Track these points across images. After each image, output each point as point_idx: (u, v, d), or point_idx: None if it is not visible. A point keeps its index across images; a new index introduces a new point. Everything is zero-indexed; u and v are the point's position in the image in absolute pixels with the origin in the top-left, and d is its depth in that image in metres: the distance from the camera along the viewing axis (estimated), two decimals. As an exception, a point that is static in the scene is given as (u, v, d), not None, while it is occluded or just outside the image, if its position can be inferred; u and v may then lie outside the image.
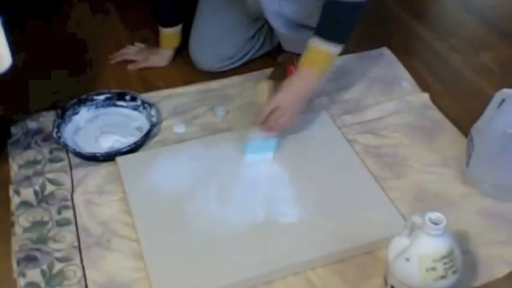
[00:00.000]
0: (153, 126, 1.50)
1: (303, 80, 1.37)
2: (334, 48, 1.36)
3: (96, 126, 1.55)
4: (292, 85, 1.37)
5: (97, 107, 1.58)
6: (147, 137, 1.49)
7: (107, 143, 1.49)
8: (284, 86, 1.37)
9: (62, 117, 1.52)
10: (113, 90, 1.59)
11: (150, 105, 1.54)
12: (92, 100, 1.58)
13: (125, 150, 1.45)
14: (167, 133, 1.54)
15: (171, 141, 1.52)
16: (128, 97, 1.58)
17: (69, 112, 1.55)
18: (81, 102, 1.57)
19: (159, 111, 1.58)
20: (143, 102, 1.55)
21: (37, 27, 1.91)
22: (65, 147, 1.46)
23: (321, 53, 1.36)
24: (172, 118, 1.59)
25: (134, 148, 1.46)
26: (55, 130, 1.48)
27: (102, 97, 1.58)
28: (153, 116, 1.51)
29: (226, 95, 1.66)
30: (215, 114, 1.60)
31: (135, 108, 1.57)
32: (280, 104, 1.35)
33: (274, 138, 1.42)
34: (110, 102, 1.59)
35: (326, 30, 1.35)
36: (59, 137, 1.46)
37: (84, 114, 1.57)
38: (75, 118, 1.55)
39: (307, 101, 1.45)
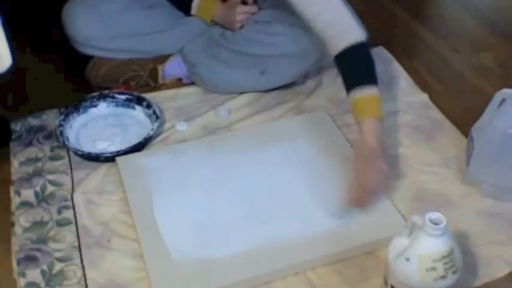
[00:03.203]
0: (146, 139, 1.48)
1: (373, 133, 1.28)
2: (375, 90, 1.31)
3: (107, 123, 1.56)
4: (368, 145, 1.27)
5: (117, 105, 1.59)
6: (137, 147, 1.48)
7: (102, 145, 1.49)
8: (359, 150, 1.30)
9: (77, 107, 1.55)
10: (134, 93, 1.60)
11: (158, 117, 1.54)
12: (113, 97, 1.59)
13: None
14: (169, 133, 1.55)
15: (173, 141, 1.52)
16: (144, 103, 1.58)
17: (87, 103, 1.57)
18: (102, 96, 1.59)
19: (163, 125, 1.57)
20: (154, 112, 1.55)
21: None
22: (65, 146, 1.47)
23: (371, 99, 1.30)
24: (176, 118, 1.59)
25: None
26: (61, 117, 1.50)
27: (123, 97, 1.60)
28: (152, 129, 1.51)
29: (229, 95, 1.66)
30: (218, 114, 1.60)
31: (149, 116, 1.57)
32: (374, 174, 1.25)
33: None
34: (129, 103, 1.59)
35: (360, 77, 1.33)
36: (61, 132, 1.48)
37: (102, 109, 1.59)
38: (92, 110, 1.57)
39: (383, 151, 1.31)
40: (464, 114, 1.56)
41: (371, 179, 1.25)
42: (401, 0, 2.12)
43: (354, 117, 1.33)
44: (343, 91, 1.67)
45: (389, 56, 1.83)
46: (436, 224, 1.02)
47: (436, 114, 1.60)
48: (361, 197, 1.25)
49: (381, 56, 1.83)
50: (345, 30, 1.35)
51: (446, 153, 1.48)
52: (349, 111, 1.59)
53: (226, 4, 1.65)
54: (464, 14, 2.08)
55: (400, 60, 1.81)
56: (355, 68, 1.35)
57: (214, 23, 1.66)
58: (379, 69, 1.75)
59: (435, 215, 1.03)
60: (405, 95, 1.66)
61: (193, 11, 1.64)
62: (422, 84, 1.71)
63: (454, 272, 1.05)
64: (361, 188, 1.24)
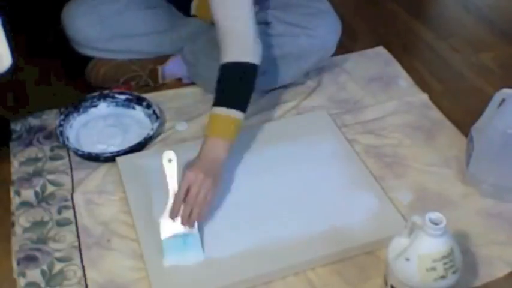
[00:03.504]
0: (146, 139, 1.49)
1: (212, 151, 1.25)
2: (239, 114, 1.28)
3: (107, 123, 1.56)
4: (203, 160, 1.24)
5: (117, 105, 1.60)
6: (137, 147, 1.47)
7: (102, 145, 1.49)
8: (192, 163, 1.24)
9: (77, 107, 1.55)
10: (134, 93, 1.60)
11: (158, 117, 1.54)
12: (113, 97, 1.59)
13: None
14: (169, 133, 1.55)
15: (173, 141, 1.52)
16: (144, 103, 1.58)
17: (87, 103, 1.57)
18: (102, 96, 1.59)
19: (163, 125, 1.57)
20: (154, 112, 1.55)
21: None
22: (65, 146, 1.47)
23: (229, 120, 1.27)
24: (176, 118, 1.59)
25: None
26: (61, 117, 1.50)
27: (123, 97, 1.60)
28: (152, 129, 1.51)
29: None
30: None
31: (149, 116, 1.57)
32: (192, 182, 1.19)
33: (194, 233, 1.22)
34: (129, 103, 1.59)
35: (228, 97, 1.29)
36: (61, 132, 1.48)
37: (102, 109, 1.59)
38: (92, 110, 1.58)
39: (220, 174, 1.26)
40: (464, 114, 1.56)
41: (198, 185, 1.19)
42: (402, 0, 2.12)
43: (205, 130, 1.29)
44: (343, 91, 1.68)
45: (389, 56, 1.83)
46: (436, 224, 1.02)
47: (436, 114, 1.60)
48: (184, 212, 1.19)
49: (380, 56, 1.83)
50: (241, 46, 1.32)
51: (446, 153, 1.48)
52: (349, 111, 1.60)
53: None
54: (464, 13, 2.08)
55: (400, 60, 1.81)
56: (232, 87, 1.31)
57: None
58: (379, 69, 1.77)
59: (435, 215, 1.03)
60: (405, 95, 1.66)
61: (193, 11, 1.64)
62: (422, 84, 1.71)
63: (454, 272, 1.05)
64: (183, 193, 1.19)
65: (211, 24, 1.65)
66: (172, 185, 1.22)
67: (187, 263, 1.19)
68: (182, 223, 1.20)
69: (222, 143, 1.26)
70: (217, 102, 1.29)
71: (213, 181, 1.21)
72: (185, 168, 1.23)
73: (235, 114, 1.28)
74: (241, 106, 1.29)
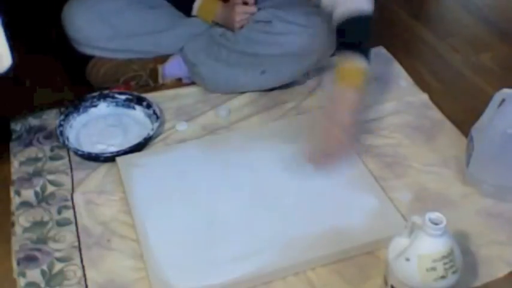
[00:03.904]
0: (146, 139, 1.49)
1: (341, 105, 1.33)
2: (364, 63, 1.34)
3: (107, 123, 1.56)
4: (338, 111, 1.33)
5: (117, 105, 1.60)
6: (137, 147, 1.48)
7: (102, 145, 1.49)
8: (328, 114, 1.34)
9: (77, 107, 1.55)
10: (134, 93, 1.60)
11: (158, 117, 1.54)
12: (113, 97, 1.60)
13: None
14: (169, 133, 1.55)
15: (173, 141, 1.52)
16: (144, 103, 1.58)
17: (87, 103, 1.57)
18: (102, 96, 1.59)
19: (163, 125, 1.57)
20: (154, 112, 1.55)
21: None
22: (65, 146, 1.47)
23: (355, 70, 1.34)
24: (176, 118, 1.59)
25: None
26: (61, 117, 1.50)
27: (123, 97, 1.60)
28: (152, 129, 1.51)
29: (230, 94, 1.66)
30: (218, 114, 1.60)
31: (149, 116, 1.57)
32: (330, 143, 1.33)
33: None
34: (129, 103, 1.60)
35: (353, 45, 1.35)
36: (61, 132, 1.48)
37: (102, 109, 1.59)
38: (92, 110, 1.58)
39: (351, 121, 1.34)
40: (464, 114, 1.56)
41: (327, 145, 1.33)
42: (402, 1, 2.12)
43: (334, 82, 1.35)
44: (343, 91, 1.68)
45: (389, 56, 1.83)
46: (436, 224, 1.02)
47: (436, 114, 1.60)
48: (314, 158, 1.34)
49: (380, 56, 1.83)
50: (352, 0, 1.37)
51: (446, 153, 1.48)
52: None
53: (226, 4, 1.65)
54: (464, 14, 2.08)
55: (400, 60, 1.81)
56: (351, 38, 1.36)
57: (215, 23, 1.66)
58: (379, 69, 1.77)
59: (435, 215, 1.03)
60: (405, 95, 1.66)
61: (194, 12, 1.64)
62: (422, 84, 1.71)
63: (454, 272, 1.05)
64: (314, 151, 1.33)
65: (212, 24, 1.66)
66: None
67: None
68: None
69: (354, 94, 1.33)
70: (343, 53, 1.35)
71: (349, 136, 1.34)
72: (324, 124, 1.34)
73: (362, 63, 1.34)
74: (366, 54, 1.35)
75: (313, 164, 1.36)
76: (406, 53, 1.85)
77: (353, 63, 1.34)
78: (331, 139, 1.33)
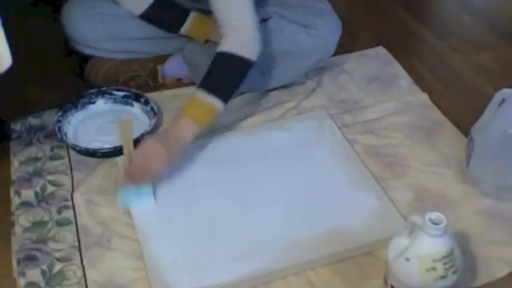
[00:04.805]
0: (143, 135, 1.48)
1: (181, 130, 1.30)
2: (219, 104, 1.31)
3: (105, 120, 1.57)
4: (168, 135, 1.30)
5: (115, 101, 1.60)
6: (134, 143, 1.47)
7: (100, 142, 1.50)
8: (158, 134, 1.29)
9: (75, 103, 1.56)
10: (132, 90, 1.61)
11: (155, 113, 1.54)
12: (111, 94, 1.60)
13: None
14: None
15: (172, 141, 1.52)
16: (142, 100, 1.58)
17: (85, 100, 1.58)
18: (100, 93, 1.60)
19: (163, 125, 1.57)
20: (152, 109, 1.55)
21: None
22: (63, 142, 1.47)
23: (207, 106, 1.30)
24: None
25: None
26: (59, 113, 1.51)
27: (121, 93, 1.60)
28: (150, 125, 1.51)
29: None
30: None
31: (147, 113, 1.57)
32: (148, 149, 1.27)
33: (148, 186, 1.31)
34: (127, 100, 1.60)
35: (214, 84, 1.32)
36: (59, 128, 1.48)
37: (100, 106, 1.59)
38: (90, 107, 1.58)
39: (179, 154, 1.32)
40: (464, 114, 1.56)
41: (143, 158, 1.26)
42: (402, 0, 2.12)
43: (183, 106, 1.32)
44: (343, 91, 1.68)
45: (389, 56, 1.83)
46: (436, 224, 1.02)
47: (436, 114, 1.60)
48: (129, 170, 1.28)
49: (380, 56, 1.83)
50: (241, 39, 1.34)
51: (446, 153, 1.48)
52: (349, 111, 1.60)
53: None
54: (464, 13, 2.08)
55: (400, 60, 1.81)
56: (222, 76, 1.34)
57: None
58: (379, 69, 1.77)
59: (435, 215, 1.03)
60: (405, 95, 1.66)
61: (182, 33, 1.62)
62: (422, 84, 1.71)
63: (454, 272, 1.05)
64: (132, 162, 1.27)
65: (205, 41, 1.64)
66: (128, 147, 1.31)
67: (140, 209, 1.28)
68: (124, 179, 1.29)
69: (193, 126, 1.30)
70: (203, 86, 1.31)
71: (169, 158, 1.26)
72: (149, 137, 1.29)
73: (216, 103, 1.30)
74: (225, 97, 1.32)
75: (126, 175, 1.29)
76: (406, 53, 1.85)
77: (210, 101, 1.30)
78: (154, 157, 1.27)
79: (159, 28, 1.62)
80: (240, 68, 1.34)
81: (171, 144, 1.27)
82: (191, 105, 1.31)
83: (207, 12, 1.51)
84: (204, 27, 1.61)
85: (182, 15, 1.59)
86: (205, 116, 1.32)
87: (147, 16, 1.57)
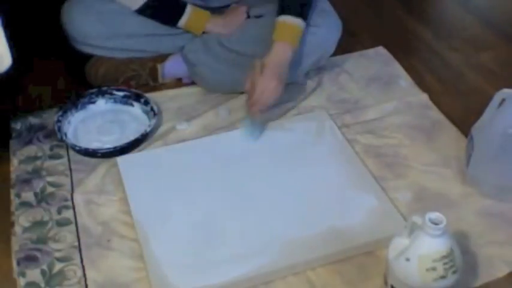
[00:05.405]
0: (143, 135, 1.49)
1: (281, 54, 1.44)
2: (301, 23, 1.46)
3: (105, 120, 1.57)
4: (271, 64, 1.42)
5: (115, 101, 1.60)
6: (134, 143, 1.48)
7: (100, 142, 1.50)
8: (262, 67, 1.42)
9: (75, 103, 1.56)
10: (132, 90, 1.61)
11: (155, 114, 1.54)
12: (112, 94, 1.60)
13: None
14: (169, 133, 1.54)
15: (173, 141, 1.52)
16: (142, 100, 1.58)
17: (85, 99, 1.58)
18: (101, 93, 1.60)
19: (163, 125, 1.57)
20: (152, 109, 1.55)
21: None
22: (63, 141, 1.47)
23: (295, 27, 1.46)
24: (176, 118, 1.59)
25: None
26: (59, 113, 1.51)
27: (121, 93, 1.60)
28: (150, 126, 1.51)
29: (230, 94, 1.66)
30: (218, 114, 1.60)
31: (147, 113, 1.57)
32: (264, 88, 1.42)
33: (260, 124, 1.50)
34: (127, 100, 1.60)
35: (293, 7, 1.46)
36: (59, 128, 1.49)
37: (101, 105, 1.60)
38: (90, 107, 1.59)
39: (286, 78, 1.47)
40: (464, 114, 1.56)
41: (261, 94, 1.42)
42: (402, 0, 2.12)
43: (273, 36, 1.45)
44: (343, 91, 1.68)
45: (389, 56, 1.83)
46: (436, 224, 1.02)
47: (436, 114, 1.60)
48: (253, 106, 1.43)
49: (380, 56, 1.83)
50: None
51: (446, 153, 1.48)
52: (349, 111, 1.61)
53: (229, 13, 1.65)
54: (464, 13, 2.08)
55: (400, 60, 1.81)
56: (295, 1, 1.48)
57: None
58: (379, 69, 1.77)
59: (435, 215, 1.03)
60: (405, 95, 1.66)
61: (179, 26, 1.63)
62: (422, 84, 1.71)
63: (454, 272, 1.05)
64: (255, 92, 1.42)
65: (202, 33, 1.64)
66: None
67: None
68: (249, 114, 1.47)
69: (289, 47, 1.46)
70: (285, 11, 1.46)
71: (280, 82, 1.43)
72: (256, 72, 1.42)
73: (300, 23, 1.46)
74: (304, 16, 1.48)
75: (249, 113, 1.46)
76: (406, 53, 1.85)
77: (294, 22, 1.45)
78: (267, 91, 1.42)
79: (156, 22, 1.62)
80: None
81: (279, 72, 1.43)
82: (280, 31, 1.45)
83: (204, 7, 1.59)
84: (200, 19, 1.63)
85: (179, 8, 1.60)
86: (295, 37, 1.47)
87: (144, 10, 1.58)
